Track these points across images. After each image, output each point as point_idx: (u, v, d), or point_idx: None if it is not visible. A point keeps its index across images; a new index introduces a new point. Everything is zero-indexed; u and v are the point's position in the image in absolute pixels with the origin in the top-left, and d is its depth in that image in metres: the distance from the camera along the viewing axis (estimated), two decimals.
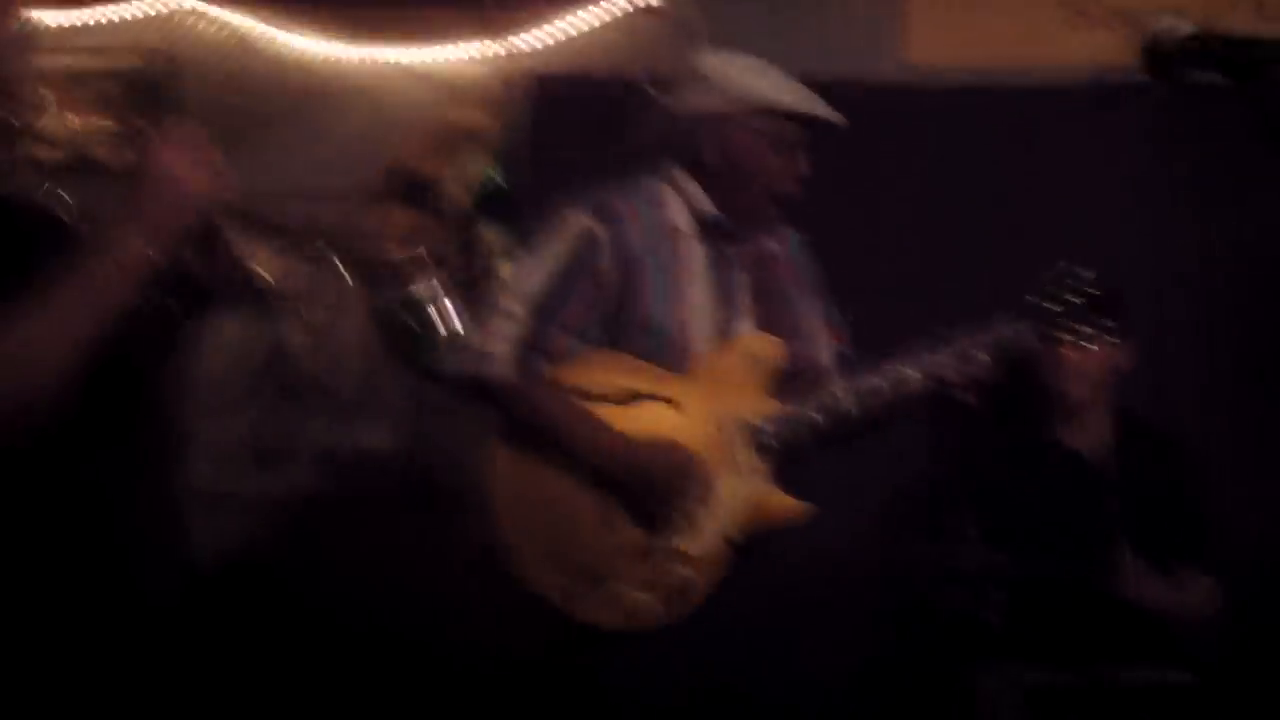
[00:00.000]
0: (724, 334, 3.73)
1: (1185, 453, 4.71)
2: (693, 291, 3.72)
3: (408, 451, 5.51)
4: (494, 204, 5.14)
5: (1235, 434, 5.23)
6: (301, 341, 5.63)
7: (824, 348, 3.95)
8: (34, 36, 2.53)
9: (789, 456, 3.73)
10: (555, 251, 3.69)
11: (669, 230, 3.75)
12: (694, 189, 3.77)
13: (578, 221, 3.71)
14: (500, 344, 3.62)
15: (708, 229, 3.77)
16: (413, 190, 5.40)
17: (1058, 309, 3.78)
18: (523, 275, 3.72)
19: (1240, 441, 5.20)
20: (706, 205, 3.76)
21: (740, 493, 3.64)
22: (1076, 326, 3.77)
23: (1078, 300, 3.78)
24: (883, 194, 5.47)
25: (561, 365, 3.65)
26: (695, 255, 3.75)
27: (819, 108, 3.76)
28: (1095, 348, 3.83)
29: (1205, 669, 4.34)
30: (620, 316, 3.68)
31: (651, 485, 3.57)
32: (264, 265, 5.27)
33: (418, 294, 4.98)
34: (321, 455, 5.65)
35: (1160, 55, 2.25)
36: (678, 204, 3.78)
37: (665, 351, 3.68)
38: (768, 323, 3.80)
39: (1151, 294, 5.40)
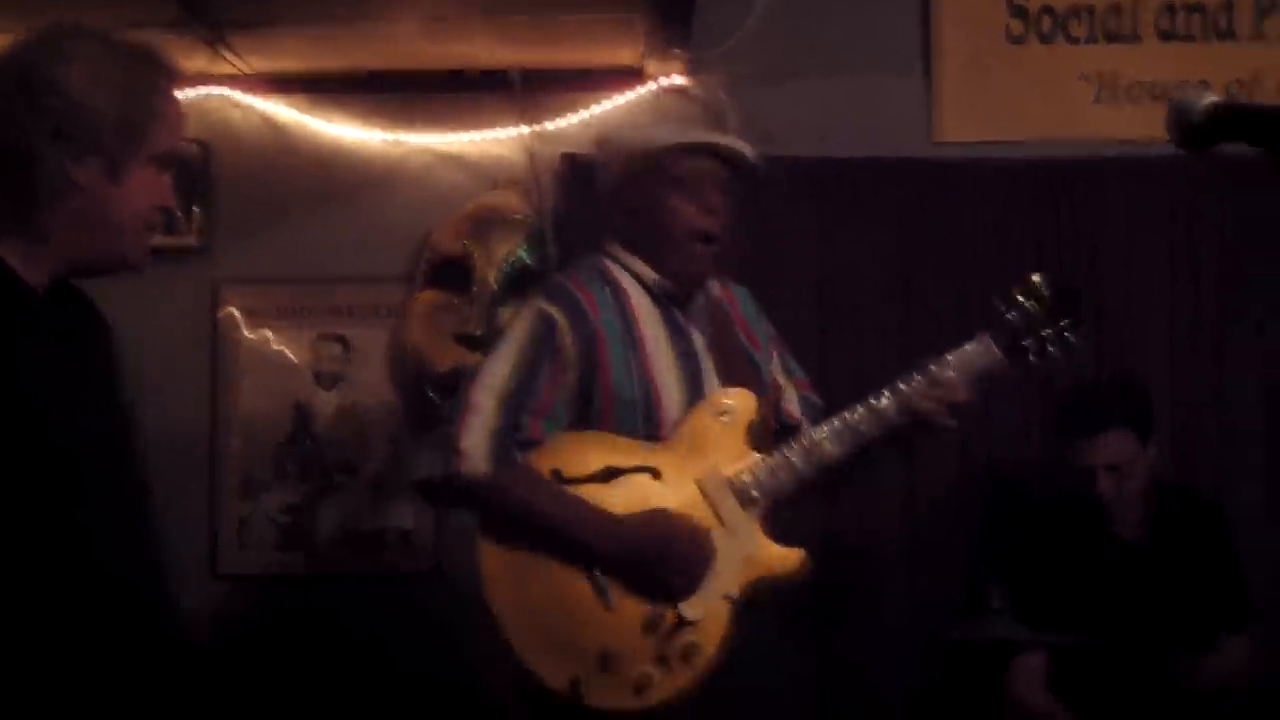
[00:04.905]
0: (693, 394, 3.69)
1: (1222, 517, 4.70)
2: (655, 357, 3.69)
3: (433, 530, 5.53)
4: (524, 283, 5.15)
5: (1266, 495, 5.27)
6: (329, 421, 5.66)
7: (790, 398, 3.95)
8: None
9: (776, 505, 3.71)
10: (517, 340, 3.67)
11: (621, 302, 3.73)
12: (633, 261, 3.78)
13: (535, 307, 3.71)
14: (472, 439, 3.57)
15: (655, 294, 3.76)
16: (444, 271, 5.42)
17: (1017, 317, 3.79)
18: (489, 367, 3.67)
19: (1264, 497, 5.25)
20: (648, 272, 3.76)
21: (733, 550, 3.60)
22: (1037, 332, 3.79)
23: (1035, 306, 3.79)
24: (911, 262, 5.51)
25: (536, 451, 3.62)
26: (650, 321, 3.73)
27: (715, 139, 3.76)
28: (1054, 350, 3.82)
29: None
30: (588, 393, 3.65)
31: (647, 555, 3.52)
32: (292, 346, 5.35)
33: (448, 374, 5.04)
34: (348, 535, 5.67)
35: (1186, 126, 2.24)
36: (624, 274, 3.77)
37: (637, 421, 3.64)
38: (732, 378, 3.76)
39: (1176, 361, 5.43)
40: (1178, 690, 4.40)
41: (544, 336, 3.65)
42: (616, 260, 3.81)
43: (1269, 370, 5.43)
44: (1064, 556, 4.56)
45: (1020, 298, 3.81)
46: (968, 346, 3.77)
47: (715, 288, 3.89)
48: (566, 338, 3.65)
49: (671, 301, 3.77)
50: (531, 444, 3.61)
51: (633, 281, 3.78)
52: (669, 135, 3.79)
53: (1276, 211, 5.15)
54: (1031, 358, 3.82)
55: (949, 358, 3.75)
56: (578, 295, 3.71)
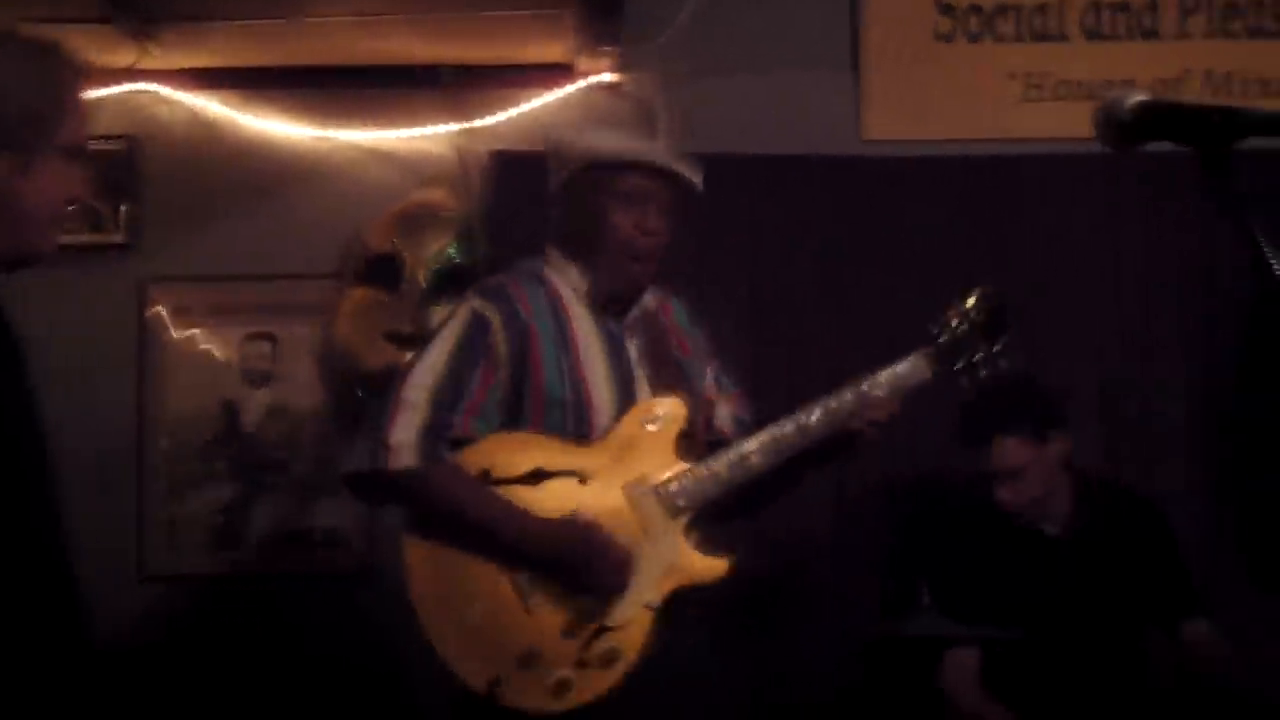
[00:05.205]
0: (624, 401, 3.71)
1: (1153, 507, 4.73)
2: (588, 361, 3.71)
3: (364, 530, 5.51)
4: (454, 281, 5.14)
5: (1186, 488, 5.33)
6: (259, 420, 5.64)
7: (722, 414, 3.96)
8: None
9: (702, 515, 3.71)
10: (450, 337, 3.67)
11: (556, 305, 3.75)
12: (568, 267, 3.79)
13: (469, 306, 3.71)
14: (402, 434, 3.56)
15: (590, 301, 3.77)
16: (374, 269, 5.40)
17: (949, 340, 3.82)
18: (422, 364, 3.67)
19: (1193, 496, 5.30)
20: (580, 280, 3.77)
21: (656, 558, 3.61)
22: (968, 355, 3.82)
23: (968, 329, 3.83)
24: (840, 259, 5.54)
25: (466, 450, 3.62)
26: (584, 327, 3.74)
27: (663, 160, 3.73)
28: (985, 374, 3.86)
29: None
30: (519, 393, 3.66)
31: (567, 562, 3.53)
32: (220, 344, 5.33)
33: (378, 372, 5.01)
34: (278, 534, 5.65)
35: (1113, 125, 2.25)
36: (560, 280, 3.79)
37: (567, 423, 3.66)
38: (664, 388, 3.77)
39: (1105, 358, 5.48)
40: (1112, 682, 4.44)
41: (477, 335, 3.65)
42: (553, 265, 3.82)
43: (1195, 365, 5.48)
44: (988, 553, 4.58)
45: (953, 320, 3.84)
46: (899, 367, 3.79)
47: (651, 298, 3.89)
48: (499, 337, 3.65)
49: (606, 309, 3.78)
50: (462, 442, 3.61)
51: (567, 286, 3.78)
52: (617, 148, 3.76)
53: (1202, 209, 5.18)
54: (962, 380, 3.85)
55: (880, 377, 3.76)
56: (513, 295, 3.71)
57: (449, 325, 3.71)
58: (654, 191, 3.73)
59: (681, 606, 3.65)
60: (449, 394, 3.61)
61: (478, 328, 3.66)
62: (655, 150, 3.78)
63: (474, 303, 3.71)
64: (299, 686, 5.39)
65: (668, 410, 3.72)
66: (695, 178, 3.76)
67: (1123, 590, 4.53)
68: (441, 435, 3.58)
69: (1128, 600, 4.52)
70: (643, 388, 3.75)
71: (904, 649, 4.56)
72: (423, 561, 3.60)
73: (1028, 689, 4.44)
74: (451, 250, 5.36)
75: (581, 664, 3.53)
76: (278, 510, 5.63)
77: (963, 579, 4.46)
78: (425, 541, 3.61)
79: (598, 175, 3.72)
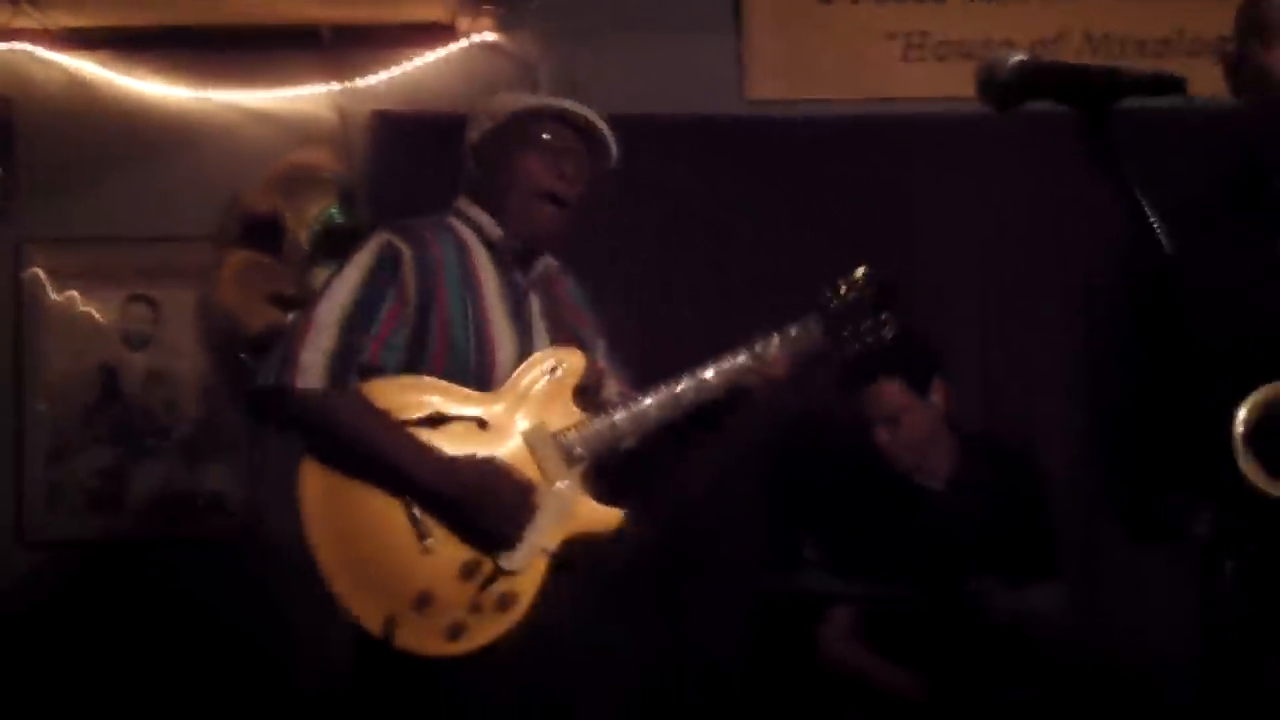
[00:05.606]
0: (525, 350, 3.75)
1: (1028, 467, 4.79)
2: (491, 308, 3.73)
3: (247, 492, 5.48)
4: (336, 242, 5.11)
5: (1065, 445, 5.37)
6: (139, 383, 5.59)
7: (610, 389, 3.98)
8: None
9: (600, 466, 3.75)
10: (362, 265, 3.67)
11: (462, 252, 3.77)
12: (481, 216, 3.83)
13: (381, 238, 3.71)
14: (310, 355, 3.55)
15: (497, 252, 3.80)
16: (254, 230, 5.36)
17: (839, 307, 3.88)
18: (332, 289, 3.66)
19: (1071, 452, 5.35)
20: (493, 227, 3.81)
21: (554, 505, 3.63)
22: (856, 323, 3.88)
23: (856, 298, 3.89)
24: (722, 219, 5.54)
25: (365, 388, 3.60)
26: (489, 278, 3.77)
27: (584, 112, 3.83)
28: (871, 341, 3.93)
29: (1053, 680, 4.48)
30: (424, 328, 3.66)
31: (469, 503, 3.53)
32: (99, 307, 5.27)
33: (261, 335, 4.99)
34: (158, 497, 5.61)
35: (994, 85, 2.28)
36: (468, 232, 3.82)
37: (469, 366, 3.67)
38: (562, 343, 3.82)
39: (987, 316, 5.52)
40: (982, 633, 4.48)
41: (387, 265, 3.65)
42: (463, 215, 3.84)
43: (1077, 325, 5.53)
44: (867, 507, 4.63)
45: (843, 289, 3.91)
46: (793, 330, 3.85)
47: (553, 266, 3.93)
48: (409, 270, 3.65)
49: (513, 263, 3.81)
50: (371, 369, 3.60)
51: (476, 237, 3.80)
52: (540, 100, 3.88)
53: (1082, 168, 5.22)
54: (849, 345, 3.91)
55: (774, 337, 3.81)
56: (423, 235, 3.73)
57: (361, 253, 3.70)
58: (570, 143, 3.81)
59: (574, 568, 3.67)
60: (359, 320, 3.60)
61: (389, 258, 3.66)
62: (577, 105, 3.84)
63: (385, 235, 3.71)
64: (180, 652, 5.37)
65: (567, 361, 3.75)
66: (611, 140, 3.86)
67: (993, 545, 4.58)
68: (350, 360, 3.57)
69: (992, 558, 4.57)
70: (542, 340, 3.78)
71: (789, 604, 4.60)
72: (321, 492, 3.56)
73: (907, 643, 4.49)
74: (333, 211, 5.33)
75: (476, 608, 3.52)
76: (159, 475, 5.60)
77: (845, 532, 4.51)
78: (325, 470, 3.57)
79: (518, 125, 3.79)
